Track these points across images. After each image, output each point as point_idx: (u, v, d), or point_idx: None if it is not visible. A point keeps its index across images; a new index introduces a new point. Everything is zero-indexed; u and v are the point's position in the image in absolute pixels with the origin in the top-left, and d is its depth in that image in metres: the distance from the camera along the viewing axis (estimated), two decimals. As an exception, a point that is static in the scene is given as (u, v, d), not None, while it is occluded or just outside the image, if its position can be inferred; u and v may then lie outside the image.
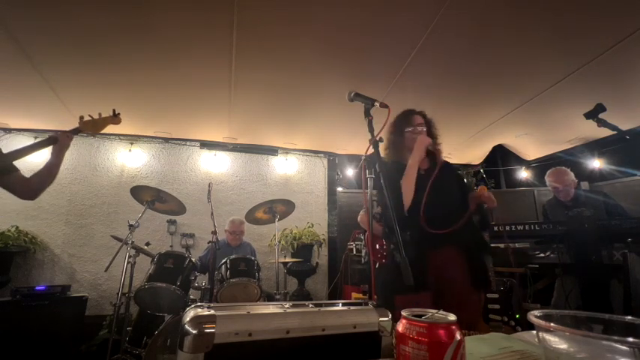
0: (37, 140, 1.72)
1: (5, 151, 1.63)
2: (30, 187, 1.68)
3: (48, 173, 1.72)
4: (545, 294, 2.62)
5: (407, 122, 1.75)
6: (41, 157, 1.77)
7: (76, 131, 1.86)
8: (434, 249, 1.53)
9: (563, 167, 2.76)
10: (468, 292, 1.55)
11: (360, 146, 4.31)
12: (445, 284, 1.50)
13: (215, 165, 4.26)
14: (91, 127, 1.94)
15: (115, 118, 2.03)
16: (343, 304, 0.66)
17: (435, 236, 1.49)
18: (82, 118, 1.89)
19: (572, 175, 2.71)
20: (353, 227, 4.15)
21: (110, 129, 1.99)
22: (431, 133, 1.79)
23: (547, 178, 2.79)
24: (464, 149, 4.52)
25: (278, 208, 3.03)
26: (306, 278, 4.12)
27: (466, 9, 2.06)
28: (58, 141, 1.74)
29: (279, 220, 3.03)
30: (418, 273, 1.35)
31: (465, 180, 4.88)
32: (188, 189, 4.14)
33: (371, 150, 1.25)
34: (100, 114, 1.97)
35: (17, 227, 3.43)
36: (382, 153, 1.70)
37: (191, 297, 2.42)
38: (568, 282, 2.38)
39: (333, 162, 4.78)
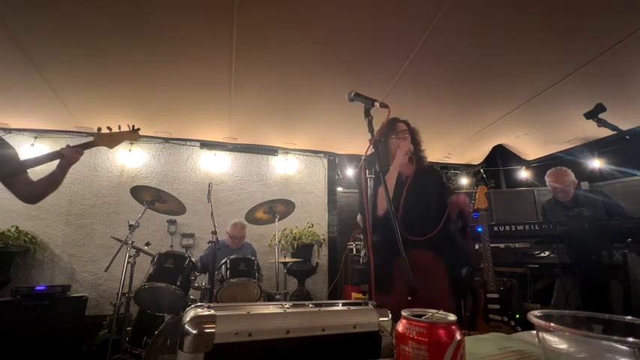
0: (49, 152, 1.70)
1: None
2: (34, 192, 1.68)
3: (52, 182, 1.72)
4: (545, 294, 2.62)
5: (391, 130, 1.77)
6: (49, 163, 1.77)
7: (89, 145, 1.82)
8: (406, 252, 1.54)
9: (564, 167, 2.74)
10: (440, 296, 1.54)
11: (360, 146, 4.31)
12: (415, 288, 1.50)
13: (215, 165, 4.26)
14: (107, 142, 1.89)
15: (133, 134, 1.97)
16: (343, 304, 0.66)
17: (409, 241, 1.49)
18: (99, 130, 1.87)
19: (572, 175, 2.69)
20: (353, 227, 4.15)
21: (108, 127, 1.97)
22: (414, 140, 1.81)
23: (547, 178, 2.78)
24: (464, 149, 4.52)
25: (278, 208, 3.02)
26: (306, 278, 4.12)
27: (465, 10, 2.06)
28: (66, 157, 1.71)
29: (279, 220, 3.03)
30: (386, 275, 1.37)
31: (448, 185, 4.92)
32: (188, 189, 4.14)
33: (371, 150, 1.25)
34: (119, 126, 1.93)
35: (17, 227, 3.43)
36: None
37: (191, 297, 2.42)
38: (568, 282, 2.38)
39: (333, 162, 4.78)
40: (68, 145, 1.74)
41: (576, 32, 2.23)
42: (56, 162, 1.72)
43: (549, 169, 2.82)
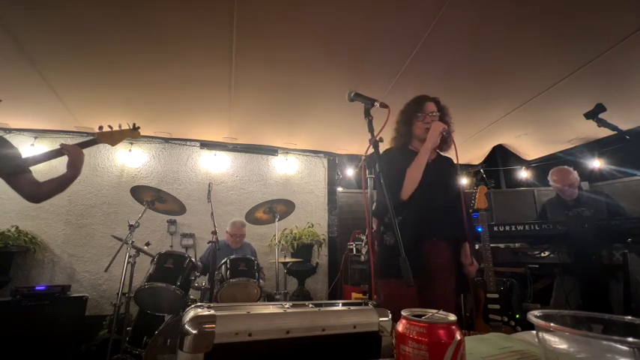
0: (48, 150, 1.70)
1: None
2: (40, 192, 1.67)
3: (61, 184, 1.71)
4: (545, 294, 2.62)
5: (418, 109, 1.69)
6: (50, 162, 1.76)
7: (92, 142, 1.85)
8: (426, 238, 1.56)
9: (567, 167, 2.72)
10: (450, 284, 1.58)
11: (360, 146, 4.31)
12: (432, 273, 1.53)
13: (215, 165, 4.26)
14: (109, 139, 1.93)
15: (134, 132, 2.02)
16: (343, 304, 0.66)
17: (428, 225, 1.52)
18: (101, 128, 1.89)
19: (575, 174, 2.67)
20: (353, 227, 4.15)
21: (107, 126, 1.99)
22: (444, 122, 1.70)
23: (550, 177, 2.76)
24: (464, 149, 4.52)
25: (278, 208, 3.02)
26: (306, 278, 4.12)
27: (466, 9, 2.06)
28: (70, 155, 1.69)
29: (279, 220, 3.03)
30: (414, 258, 1.38)
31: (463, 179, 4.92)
32: (188, 189, 4.14)
33: (371, 150, 1.25)
34: (120, 125, 1.96)
35: (17, 227, 3.43)
36: (389, 140, 1.69)
37: (191, 297, 2.43)
38: (568, 282, 2.38)
39: (333, 162, 4.78)
40: (63, 144, 1.72)
41: (576, 32, 2.23)
42: (55, 161, 1.72)
43: (549, 169, 2.81)
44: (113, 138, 1.94)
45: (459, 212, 1.63)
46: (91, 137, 1.87)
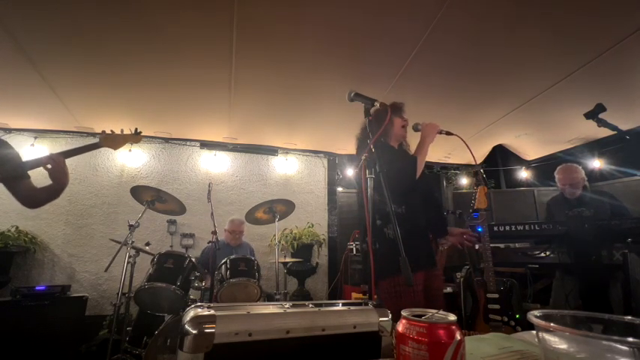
0: (38, 157, 1.66)
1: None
2: (36, 198, 1.67)
3: (52, 193, 1.68)
4: (545, 294, 2.62)
5: (398, 112, 1.80)
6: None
7: (95, 146, 1.86)
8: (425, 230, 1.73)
9: (574, 164, 2.69)
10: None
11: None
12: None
13: (215, 165, 4.26)
14: (112, 143, 1.94)
15: (136, 137, 2.04)
16: (343, 304, 0.66)
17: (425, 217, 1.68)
18: (103, 132, 1.90)
19: (582, 172, 2.64)
20: (353, 227, 4.15)
21: (109, 128, 1.99)
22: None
23: (556, 174, 2.73)
24: (464, 149, 4.52)
25: (278, 208, 3.02)
26: (306, 278, 4.12)
27: (466, 9, 2.06)
28: (51, 166, 1.63)
29: (279, 220, 3.03)
30: (425, 245, 1.57)
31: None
32: (188, 189, 4.14)
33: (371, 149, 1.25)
34: (122, 130, 1.98)
35: (17, 227, 3.42)
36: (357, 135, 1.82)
37: (191, 297, 2.43)
38: (568, 282, 2.38)
39: (333, 162, 4.78)
40: (51, 154, 1.67)
41: (576, 32, 2.23)
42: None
43: (549, 168, 2.81)
44: (116, 142, 1.95)
45: (442, 208, 1.91)
46: (94, 141, 1.88)
